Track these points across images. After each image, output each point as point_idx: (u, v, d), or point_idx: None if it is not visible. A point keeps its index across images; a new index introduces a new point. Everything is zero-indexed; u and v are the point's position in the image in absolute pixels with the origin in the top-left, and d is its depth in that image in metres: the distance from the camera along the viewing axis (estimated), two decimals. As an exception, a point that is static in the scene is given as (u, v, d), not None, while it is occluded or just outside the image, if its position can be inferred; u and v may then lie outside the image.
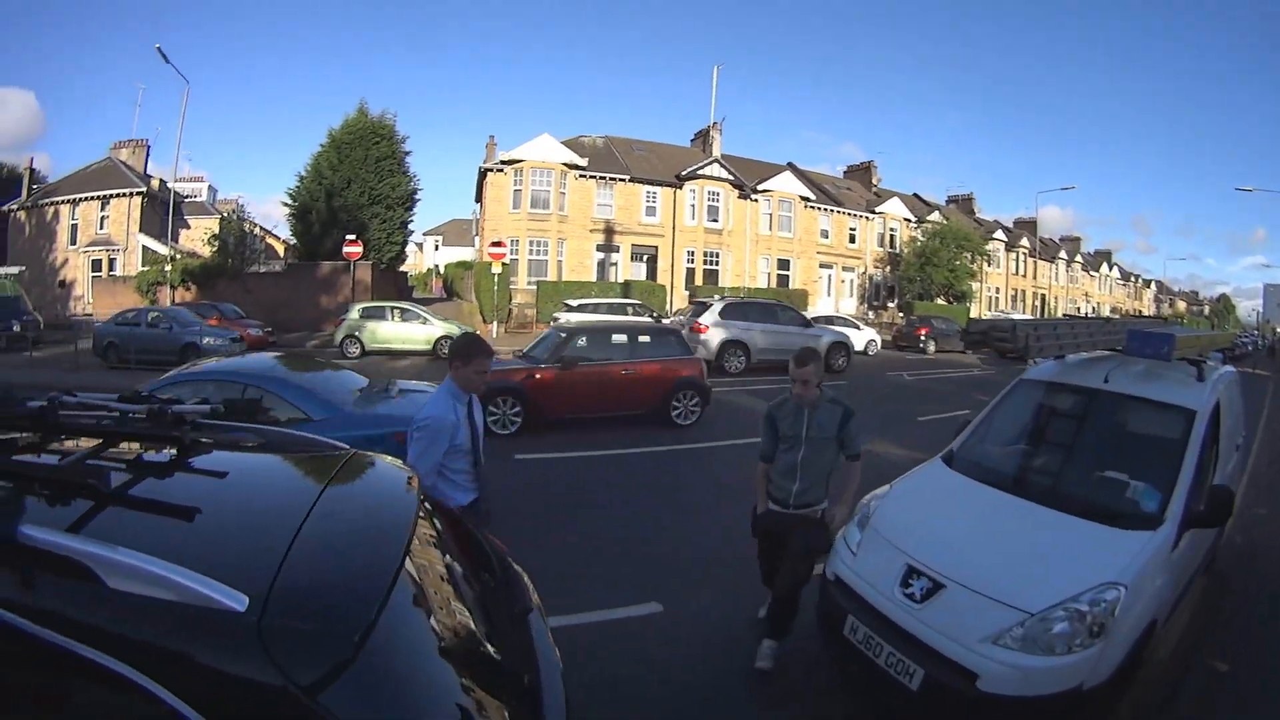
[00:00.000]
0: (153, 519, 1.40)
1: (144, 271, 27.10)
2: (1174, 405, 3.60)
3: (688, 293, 26.63)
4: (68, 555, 1.13)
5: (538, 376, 8.66)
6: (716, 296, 19.20)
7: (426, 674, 1.35)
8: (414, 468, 2.40)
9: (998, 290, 41.47)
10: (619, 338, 9.69)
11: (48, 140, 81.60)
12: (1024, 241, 43.69)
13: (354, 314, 17.56)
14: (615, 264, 27.37)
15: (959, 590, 2.86)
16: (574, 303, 19.82)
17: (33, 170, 35.61)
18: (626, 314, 19.18)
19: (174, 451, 1.72)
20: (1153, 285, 72.05)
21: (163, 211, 31.12)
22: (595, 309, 19.11)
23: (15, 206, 33.44)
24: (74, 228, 32.79)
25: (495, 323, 22.06)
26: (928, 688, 2.71)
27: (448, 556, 1.84)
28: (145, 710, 1.03)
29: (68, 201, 32.74)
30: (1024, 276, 44.38)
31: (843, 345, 17.34)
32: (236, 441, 2.02)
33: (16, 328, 18.85)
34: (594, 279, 26.19)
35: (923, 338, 24.14)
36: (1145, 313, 54.24)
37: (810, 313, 23.31)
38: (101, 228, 32.58)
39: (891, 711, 3.01)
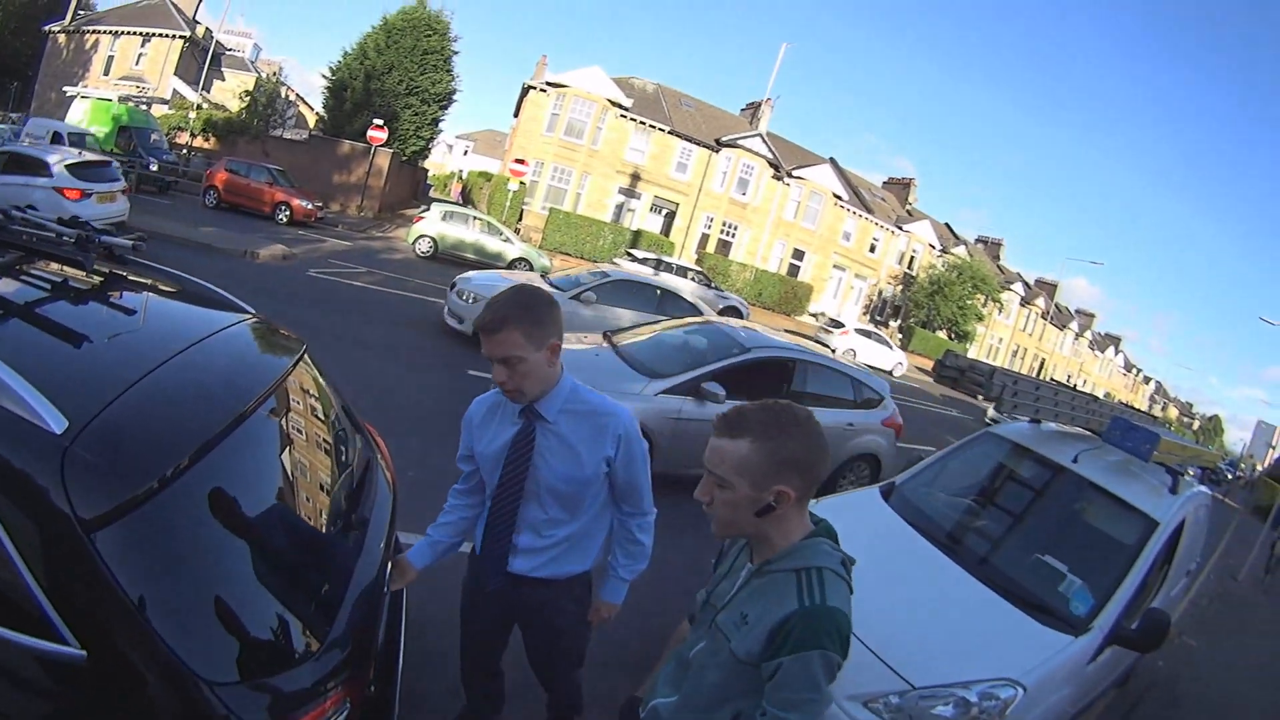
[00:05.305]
0: (31, 332, 1.49)
1: (167, 114, 26.66)
2: (1138, 509, 3.31)
3: (696, 255, 26.44)
4: None
5: None
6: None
7: (222, 544, 1.36)
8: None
9: (1001, 340, 41.33)
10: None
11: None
12: (1039, 301, 43.54)
13: (435, 214, 17.02)
14: (634, 210, 27.13)
15: None
16: (638, 254, 19.75)
17: (81, -5, 35.00)
18: (688, 279, 19.25)
19: (84, 277, 1.79)
20: (1152, 383, 72.09)
21: (201, 59, 30.84)
22: (656, 266, 19.06)
23: (57, 29, 33.02)
24: (110, 59, 32.44)
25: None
26: None
27: (313, 440, 1.87)
28: None
29: (109, 32, 32.38)
30: (1030, 335, 44.26)
31: None
32: (152, 281, 2.06)
33: (154, 167, 16.68)
34: (609, 219, 25.95)
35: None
36: (1139, 408, 54.12)
37: (814, 306, 23.09)
38: (137, 64, 32.24)
39: None
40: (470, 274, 9.03)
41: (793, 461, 1.26)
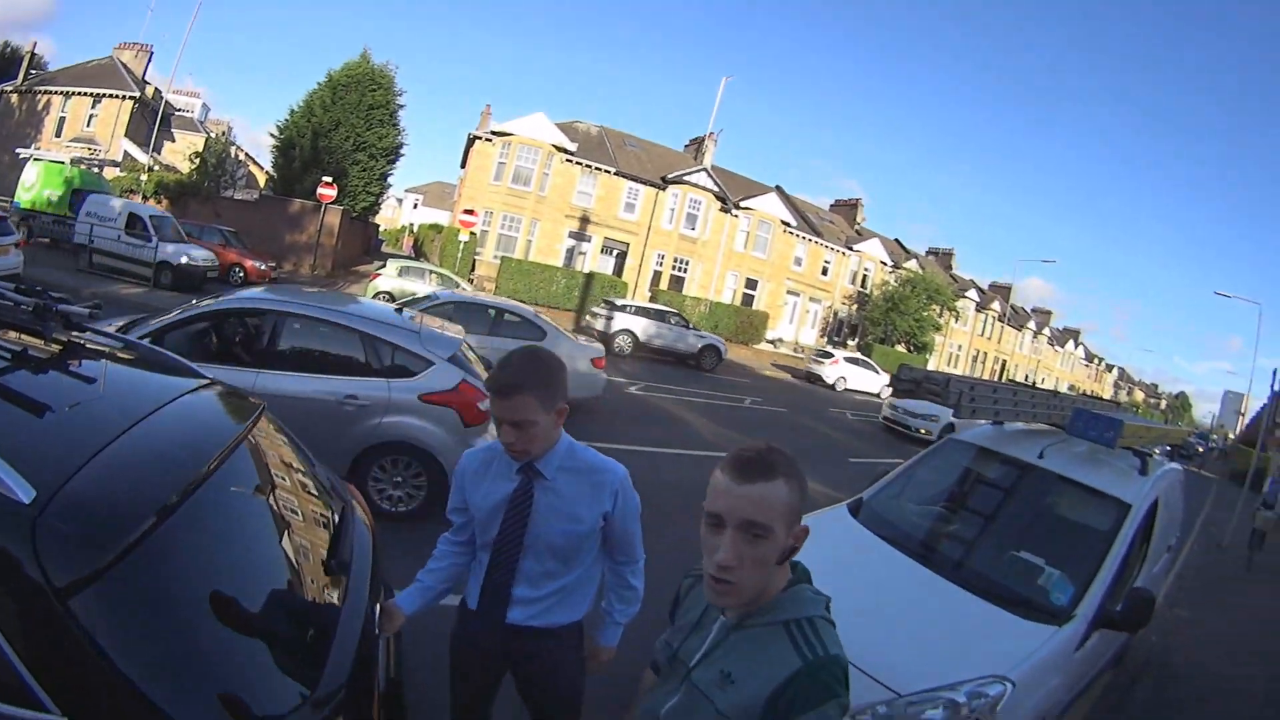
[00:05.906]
0: None
1: (119, 177, 26.81)
2: (1109, 495, 3.36)
3: (649, 294, 27.04)
4: None
5: None
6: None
7: (199, 600, 1.37)
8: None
9: (960, 348, 42.27)
10: None
11: (55, 24, 79.09)
12: (995, 305, 44.61)
13: (391, 269, 17.29)
14: (585, 254, 27.68)
15: None
16: (619, 301, 19.79)
17: (34, 54, 35.00)
18: (667, 322, 19.34)
19: (43, 345, 1.79)
20: (1115, 371, 73.71)
21: (151, 120, 31.01)
22: (636, 312, 19.08)
23: (10, 89, 33.01)
24: (62, 120, 32.49)
25: (452, 288, 22.32)
26: None
27: (282, 495, 1.91)
28: None
29: (61, 93, 32.42)
30: (989, 339, 45.31)
31: None
32: (110, 348, 2.07)
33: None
34: (561, 264, 26.48)
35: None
36: (1104, 395, 55.61)
37: (771, 334, 23.82)
38: (88, 125, 32.32)
39: None
40: None
41: (806, 497, 1.21)
